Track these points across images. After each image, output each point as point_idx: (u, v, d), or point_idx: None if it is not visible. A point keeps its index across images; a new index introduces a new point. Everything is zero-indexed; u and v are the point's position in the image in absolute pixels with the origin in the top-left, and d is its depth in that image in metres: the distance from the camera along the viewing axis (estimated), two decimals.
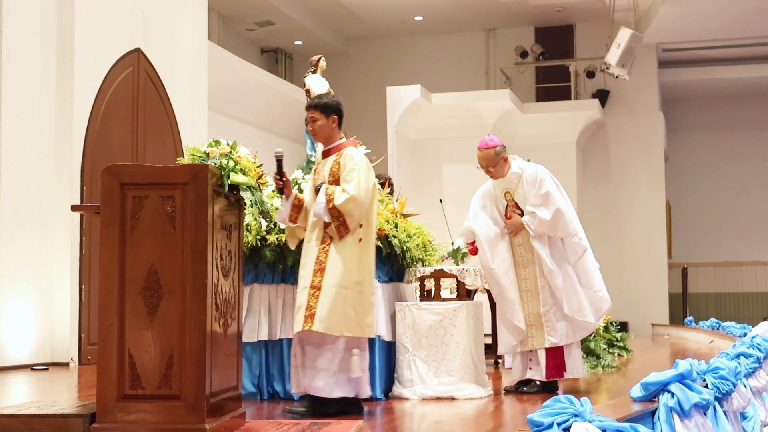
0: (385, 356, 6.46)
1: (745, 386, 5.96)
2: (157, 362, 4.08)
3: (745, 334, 10.97)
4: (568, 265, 6.68)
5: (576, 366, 6.71)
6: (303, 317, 5.21)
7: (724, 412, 5.12)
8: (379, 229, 6.38)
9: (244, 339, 6.05)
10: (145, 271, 4.10)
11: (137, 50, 10.59)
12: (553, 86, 19.56)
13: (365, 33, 20.16)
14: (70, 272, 9.44)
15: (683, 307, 19.34)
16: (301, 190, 6.46)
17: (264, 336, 6.35)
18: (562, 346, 6.62)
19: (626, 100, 19.62)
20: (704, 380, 5.17)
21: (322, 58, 7.13)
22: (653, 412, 4.48)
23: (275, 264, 6.27)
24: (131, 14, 10.53)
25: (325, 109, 5.41)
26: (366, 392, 5.41)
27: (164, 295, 4.09)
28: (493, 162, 6.66)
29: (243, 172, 4.48)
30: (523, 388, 6.72)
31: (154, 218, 4.13)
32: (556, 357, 6.63)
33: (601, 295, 6.78)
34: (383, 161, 10.55)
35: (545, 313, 6.59)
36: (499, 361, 9.14)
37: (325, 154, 5.48)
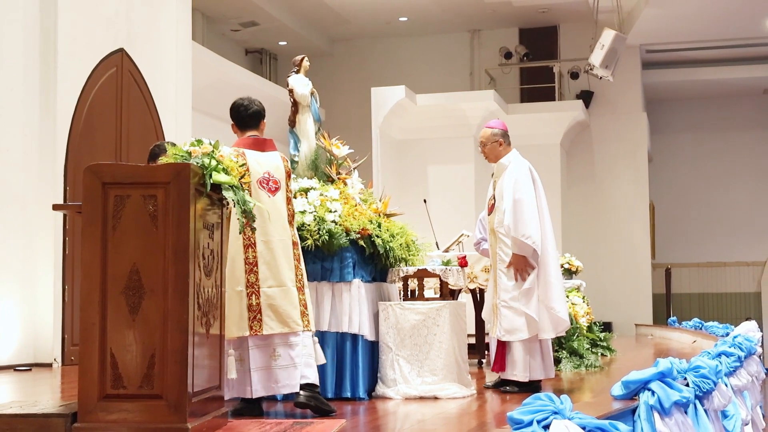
0: (368, 356, 6.47)
1: (726, 385, 5.99)
2: (139, 362, 4.08)
3: (727, 334, 11.03)
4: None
5: (516, 366, 6.70)
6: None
7: (705, 411, 5.16)
8: (363, 229, 6.40)
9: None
10: (126, 271, 4.11)
11: (121, 50, 10.56)
12: (537, 87, 19.59)
13: (350, 34, 20.15)
14: (53, 273, 9.40)
15: (667, 307, 19.41)
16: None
17: None
18: (505, 342, 6.72)
19: (610, 101, 19.67)
20: (685, 379, 5.21)
21: (306, 58, 7.13)
22: (634, 410, 4.51)
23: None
24: (115, 14, 10.50)
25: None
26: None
27: (146, 295, 4.09)
28: (486, 142, 6.96)
29: (225, 171, 4.48)
30: (506, 387, 6.75)
31: (136, 217, 4.13)
32: (500, 351, 6.77)
33: (559, 316, 6.74)
34: (368, 162, 10.56)
35: (499, 306, 6.76)
36: (483, 360, 9.17)
37: None
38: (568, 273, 11.72)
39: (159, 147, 7.02)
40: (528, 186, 6.74)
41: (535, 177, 6.89)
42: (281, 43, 19.67)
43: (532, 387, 6.68)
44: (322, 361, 5.68)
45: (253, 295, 5.32)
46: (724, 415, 5.98)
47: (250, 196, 5.32)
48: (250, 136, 5.69)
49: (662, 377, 4.62)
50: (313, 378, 5.40)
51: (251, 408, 5.37)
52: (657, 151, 21.84)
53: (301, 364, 5.37)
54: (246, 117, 5.77)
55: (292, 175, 5.75)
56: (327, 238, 6.24)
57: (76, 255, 9.40)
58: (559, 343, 8.69)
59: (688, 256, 21.79)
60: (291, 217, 5.59)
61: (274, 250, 5.40)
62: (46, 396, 6.52)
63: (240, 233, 5.30)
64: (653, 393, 4.51)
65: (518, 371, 6.70)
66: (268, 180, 5.50)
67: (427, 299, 6.70)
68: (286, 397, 6.11)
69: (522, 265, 6.66)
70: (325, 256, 6.34)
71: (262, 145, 5.64)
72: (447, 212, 9.46)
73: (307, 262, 6.27)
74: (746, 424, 6.64)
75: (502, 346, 6.75)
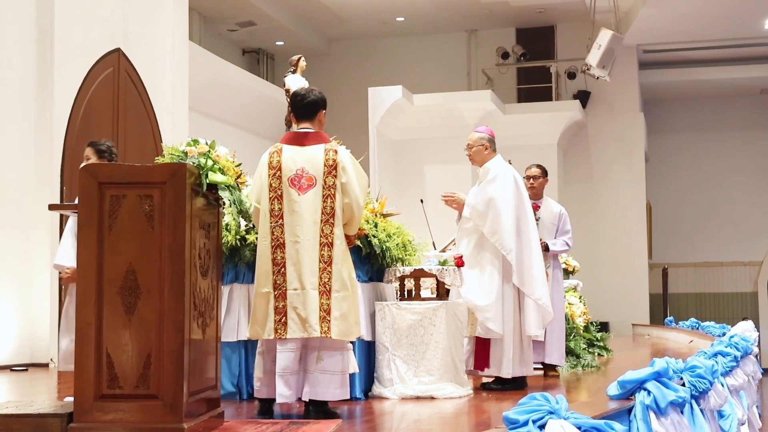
0: (365, 356, 6.47)
1: (722, 385, 5.99)
2: (134, 362, 4.07)
3: (724, 334, 11.03)
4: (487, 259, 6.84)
5: (500, 363, 6.75)
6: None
7: (701, 410, 5.16)
8: (360, 229, 6.40)
9: (224, 339, 6.05)
10: (123, 271, 4.10)
11: (117, 50, 10.56)
12: (534, 87, 19.62)
13: (347, 34, 20.16)
14: (50, 273, 9.40)
15: (664, 307, 19.44)
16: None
17: (244, 336, 6.33)
18: (487, 340, 6.75)
19: (607, 101, 19.69)
20: (681, 378, 5.21)
21: (302, 58, 7.15)
22: (630, 410, 4.51)
23: (255, 264, 6.26)
24: (111, 14, 10.49)
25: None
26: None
27: (142, 295, 4.09)
28: (473, 144, 7.13)
29: (221, 171, 4.47)
30: (490, 385, 6.80)
31: (132, 217, 4.12)
32: (482, 348, 6.78)
33: (545, 307, 6.88)
34: (364, 161, 10.54)
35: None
36: None
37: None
38: (565, 273, 11.72)
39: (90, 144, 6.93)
40: (507, 188, 6.84)
41: (518, 180, 7.02)
42: (278, 42, 19.67)
43: (516, 384, 6.73)
44: (353, 370, 5.46)
45: (280, 298, 5.20)
46: (721, 415, 5.98)
47: (281, 194, 5.29)
48: (294, 130, 5.47)
49: (658, 377, 4.62)
50: (321, 395, 5.23)
51: (262, 407, 5.33)
52: (654, 151, 21.86)
53: (313, 376, 5.25)
54: (302, 107, 5.46)
55: (346, 167, 5.35)
56: None
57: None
58: None
59: (685, 256, 21.81)
60: (329, 215, 5.29)
61: (300, 252, 5.22)
62: (42, 396, 6.52)
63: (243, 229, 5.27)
64: (649, 393, 4.50)
65: (504, 368, 6.74)
66: (300, 177, 5.29)
67: (424, 299, 6.70)
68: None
69: (458, 206, 6.97)
70: None
71: (302, 139, 5.38)
72: (444, 212, 9.40)
73: None
74: (742, 424, 6.64)
75: (484, 344, 6.79)
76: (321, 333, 5.16)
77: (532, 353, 6.98)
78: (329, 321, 5.19)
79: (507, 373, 6.76)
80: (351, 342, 5.45)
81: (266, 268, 5.26)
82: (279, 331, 5.18)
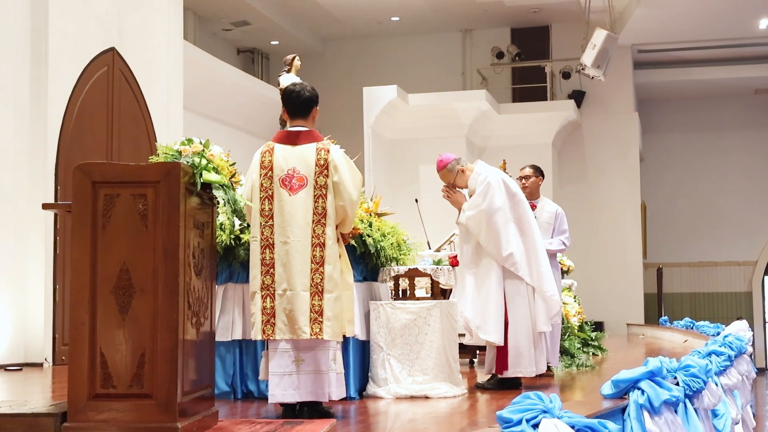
0: (359, 355, 6.47)
1: (716, 384, 6.01)
2: (128, 361, 4.07)
3: (718, 333, 11.06)
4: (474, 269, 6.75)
5: (520, 365, 6.70)
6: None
7: (695, 410, 5.17)
8: (354, 228, 6.40)
9: (218, 338, 6.04)
10: (116, 270, 4.10)
11: (112, 50, 10.54)
12: (529, 87, 19.61)
13: (342, 33, 20.16)
14: (44, 272, 9.38)
15: (658, 306, 19.44)
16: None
17: (238, 335, 6.34)
18: (506, 342, 6.68)
19: (602, 100, 19.70)
20: (675, 378, 5.22)
21: (297, 57, 7.14)
22: (623, 409, 4.52)
23: (249, 263, 6.26)
24: (106, 13, 10.47)
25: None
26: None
27: (136, 294, 4.09)
28: (450, 178, 6.94)
29: (216, 170, 4.47)
30: (483, 384, 6.80)
31: (125, 216, 4.12)
32: (501, 352, 6.69)
33: (554, 299, 6.84)
34: (359, 161, 10.55)
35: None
36: (474, 360, 9.18)
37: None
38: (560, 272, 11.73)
39: None
40: (496, 196, 6.74)
41: (508, 181, 6.89)
42: (273, 42, 19.66)
43: (510, 384, 6.71)
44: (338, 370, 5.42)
45: (268, 298, 5.17)
46: (715, 414, 5.99)
47: (272, 194, 5.26)
48: (287, 129, 5.44)
49: (652, 376, 4.63)
50: (315, 396, 5.21)
51: (286, 411, 5.28)
52: (648, 151, 21.88)
53: (305, 377, 5.22)
54: (298, 105, 5.42)
55: (338, 165, 5.29)
56: None
57: (67, 255, 9.37)
58: None
59: (679, 255, 21.83)
60: (321, 216, 5.24)
61: (290, 252, 5.19)
62: (36, 396, 6.50)
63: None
64: (643, 392, 4.52)
65: (527, 368, 6.70)
66: (292, 177, 5.25)
67: (418, 299, 6.71)
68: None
69: (457, 203, 6.82)
70: None
71: (294, 138, 5.34)
72: (438, 212, 9.42)
73: None
74: (736, 423, 6.66)
75: (502, 347, 6.71)
76: (311, 334, 5.14)
77: (544, 349, 6.94)
78: (321, 322, 5.16)
79: (530, 372, 6.71)
80: (341, 341, 5.44)
81: (256, 268, 5.25)
82: (267, 331, 5.18)
